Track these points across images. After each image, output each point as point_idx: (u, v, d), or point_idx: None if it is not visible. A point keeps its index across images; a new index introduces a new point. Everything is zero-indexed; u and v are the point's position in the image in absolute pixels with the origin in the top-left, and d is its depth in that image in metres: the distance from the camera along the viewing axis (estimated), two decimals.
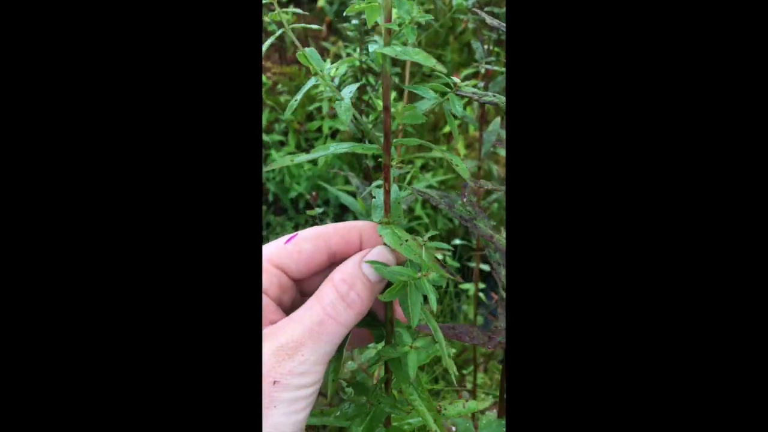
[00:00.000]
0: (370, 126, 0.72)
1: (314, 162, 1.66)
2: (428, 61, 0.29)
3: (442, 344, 0.35)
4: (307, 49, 0.36)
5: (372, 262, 0.33)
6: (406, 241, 0.33)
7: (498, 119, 0.70)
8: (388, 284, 0.35)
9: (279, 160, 0.35)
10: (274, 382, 0.30)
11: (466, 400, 0.50)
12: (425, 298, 0.33)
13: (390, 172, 0.36)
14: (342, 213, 1.80)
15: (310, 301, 0.33)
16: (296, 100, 0.38)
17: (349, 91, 0.34)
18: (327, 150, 0.37)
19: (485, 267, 1.04)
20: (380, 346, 0.39)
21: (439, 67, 0.29)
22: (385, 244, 0.34)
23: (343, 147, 0.37)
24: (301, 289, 0.39)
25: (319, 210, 0.83)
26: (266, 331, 0.32)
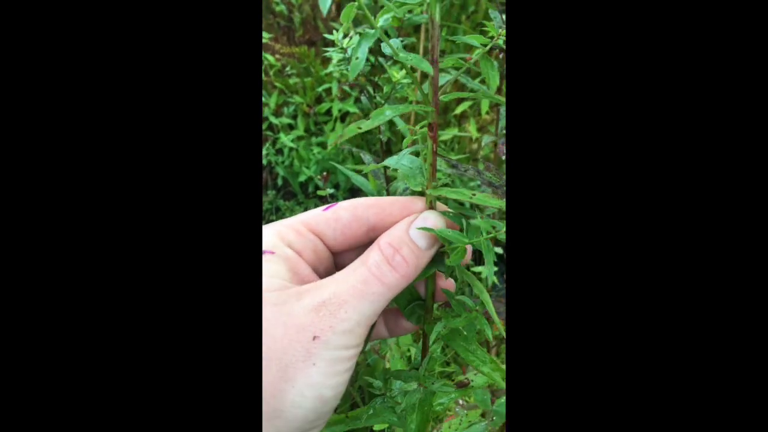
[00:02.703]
0: (383, 102, 0.70)
1: (324, 144, 1.64)
2: None
3: (489, 303, 0.34)
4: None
5: (423, 229, 0.32)
6: (474, 195, 0.32)
7: None
8: (437, 253, 0.34)
9: (348, 130, 0.33)
10: (314, 338, 0.29)
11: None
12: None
13: (437, 132, 0.33)
14: (352, 196, 1.79)
15: (355, 263, 0.32)
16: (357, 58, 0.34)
17: (365, 47, 0.32)
18: (383, 114, 0.33)
19: (498, 250, 1.02)
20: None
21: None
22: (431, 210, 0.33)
23: (400, 108, 0.34)
24: (338, 264, 0.38)
25: (329, 190, 0.81)
26: (306, 287, 0.31)
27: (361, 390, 1.03)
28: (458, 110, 1.57)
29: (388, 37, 0.33)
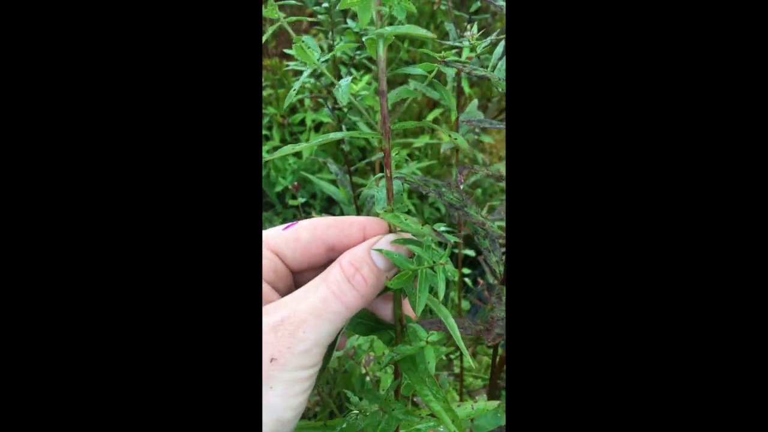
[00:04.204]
0: (346, 111, 0.71)
1: (299, 155, 1.65)
2: (419, 32, 0.30)
3: (455, 330, 0.34)
4: (304, 37, 0.37)
5: (381, 251, 0.33)
6: (406, 220, 0.33)
7: (475, 102, 0.70)
8: (397, 275, 0.34)
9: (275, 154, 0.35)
10: (272, 359, 0.29)
11: (474, 401, 0.49)
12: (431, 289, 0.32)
13: (391, 159, 0.35)
14: (330, 206, 1.80)
15: (315, 281, 0.32)
16: (294, 90, 0.38)
17: (347, 79, 0.35)
18: (317, 140, 0.36)
19: (470, 252, 1.04)
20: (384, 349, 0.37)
21: (431, 35, 0.29)
22: (393, 231, 0.34)
23: (338, 135, 0.37)
24: (298, 283, 0.39)
25: (301, 200, 0.83)
26: (266, 308, 0.32)
27: (339, 398, 1.03)
28: (430, 117, 1.59)
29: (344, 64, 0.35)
